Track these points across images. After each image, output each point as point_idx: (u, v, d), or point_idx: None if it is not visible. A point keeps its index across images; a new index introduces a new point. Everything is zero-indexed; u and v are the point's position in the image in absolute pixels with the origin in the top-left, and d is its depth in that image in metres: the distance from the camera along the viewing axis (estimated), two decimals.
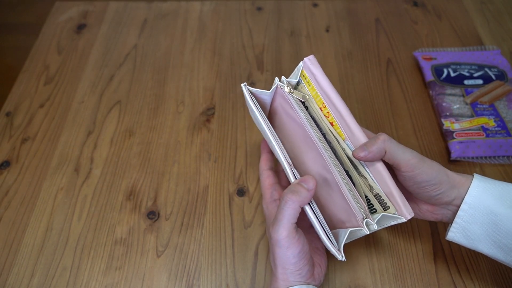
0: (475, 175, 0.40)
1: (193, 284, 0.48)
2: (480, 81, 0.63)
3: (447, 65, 0.65)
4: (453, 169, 0.56)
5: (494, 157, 0.57)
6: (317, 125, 0.43)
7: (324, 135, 0.43)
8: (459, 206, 0.39)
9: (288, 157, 0.41)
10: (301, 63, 0.44)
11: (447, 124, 0.58)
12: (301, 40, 0.73)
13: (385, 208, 0.40)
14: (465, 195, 0.39)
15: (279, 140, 0.42)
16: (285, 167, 0.41)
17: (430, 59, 0.67)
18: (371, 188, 0.41)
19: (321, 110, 0.44)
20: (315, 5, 0.79)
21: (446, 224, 0.51)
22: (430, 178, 0.39)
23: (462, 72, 0.64)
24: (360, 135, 0.41)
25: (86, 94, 0.66)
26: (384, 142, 0.38)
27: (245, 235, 0.51)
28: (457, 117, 0.59)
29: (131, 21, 0.77)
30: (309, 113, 0.44)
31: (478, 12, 0.77)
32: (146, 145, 0.60)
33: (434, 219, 0.43)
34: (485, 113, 0.59)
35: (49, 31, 0.76)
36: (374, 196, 0.40)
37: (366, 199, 0.41)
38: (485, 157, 0.57)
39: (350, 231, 0.39)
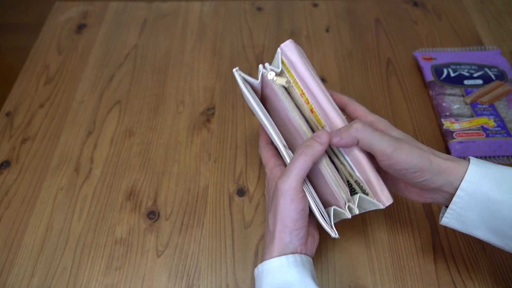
0: (472, 160, 0.38)
1: (193, 284, 0.48)
2: (480, 81, 0.63)
3: (447, 65, 0.66)
4: None
5: (494, 157, 0.57)
6: (300, 111, 0.44)
7: (306, 121, 0.44)
8: (450, 192, 0.38)
9: (283, 139, 0.42)
10: (279, 50, 0.44)
11: (447, 124, 0.58)
12: (301, 40, 0.73)
13: (365, 193, 0.41)
14: (459, 182, 0.37)
15: (272, 122, 0.42)
16: (280, 149, 0.41)
17: (430, 59, 0.67)
18: (351, 175, 0.42)
19: (302, 97, 0.44)
20: (315, 5, 0.79)
21: (446, 227, 0.51)
22: (409, 166, 0.38)
23: (462, 72, 0.64)
24: (337, 121, 0.41)
25: (86, 94, 0.66)
26: (356, 131, 0.38)
27: (245, 235, 0.51)
28: (457, 117, 0.59)
29: (131, 21, 0.77)
30: (293, 99, 0.44)
31: (478, 12, 0.77)
32: (146, 145, 0.60)
33: (424, 201, 0.43)
34: (485, 113, 0.59)
35: (49, 31, 0.76)
36: (355, 182, 0.42)
37: (348, 184, 0.42)
38: (485, 157, 0.57)
39: (334, 208, 0.40)
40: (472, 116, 0.59)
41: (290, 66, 0.44)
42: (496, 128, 0.57)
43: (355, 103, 0.45)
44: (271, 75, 0.44)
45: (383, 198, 0.40)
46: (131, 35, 0.75)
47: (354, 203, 0.40)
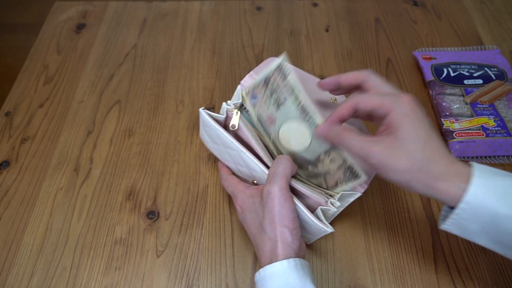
0: (475, 171, 0.34)
1: (193, 284, 0.48)
2: (480, 81, 0.63)
3: (447, 65, 0.65)
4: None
5: (494, 156, 0.57)
6: (267, 133, 0.48)
7: (274, 143, 0.48)
8: (448, 202, 0.35)
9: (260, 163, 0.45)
10: (239, 87, 0.49)
11: (447, 123, 0.58)
12: (301, 40, 0.73)
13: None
14: (454, 201, 0.34)
15: (245, 149, 0.45)
16: (257, 167, 0.45)
17: (430, 58, 0.67)
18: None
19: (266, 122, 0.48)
20: (315, 4, 0.79)
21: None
22: (392, 179, 0.36)
23: (462, 72, 0.64)
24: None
25: (85, 94, 0.66)
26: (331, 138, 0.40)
27: (245, 235, 0.51)
28: (457, 116, 0.59)
29: (131, 21, 0.77)
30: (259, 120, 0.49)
31: (478, 12, 0.77)
32: (146, 145, 0.60)
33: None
34: (485, 112, 0.59)
35: (49, 31, 0.76)
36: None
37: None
38: (485, 157, 0.56)
39: (321, 208, 0.43)
40: (472, 115, 0.59)
41: None
42: (496, 128, 0.57)
43: (372, 80, 0.40)
44: (235, 111, 0.47)
45: (359, 187, 0.44)
46: (131, 34, 0.75)
47: (335, 199, 0.44)
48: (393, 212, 0.53)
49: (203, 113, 0.47)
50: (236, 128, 0.47)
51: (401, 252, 0.49)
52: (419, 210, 0.53)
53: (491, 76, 0.63)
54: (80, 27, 0.76)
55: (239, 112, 0.47)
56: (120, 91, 0.66)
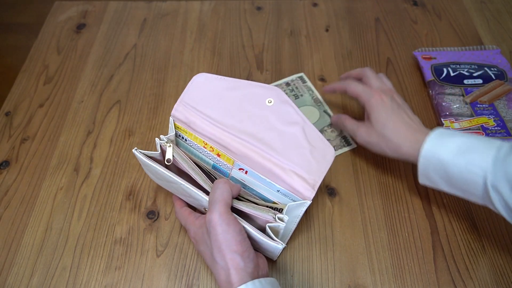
0: (432, 135, 0.45)
1: (193, 284, 0.48)
2: (479, 81, 0.63)
3: (447, 65, 0.65)
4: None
5: None
6: (206, 161, 0.50)
7: (215, 167, 0.50)
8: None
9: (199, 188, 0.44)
10: (171, 118, 0.49)
11: (447, 123, 0.58)
12: (301, 40, 0.73)
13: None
14: (416, 159, 0.46)
15: (183, 180, 0.44)
16: (201, 197, 0.43)
17: (430, 58, 0.67)
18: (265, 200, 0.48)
19: (205, 148, 0.49)
20: (314, 4, 0.79)
21: (446, 226, 0.51)
22: (369, 148, 0.51)
23: (462, 72, 0.64)
24: (247, 152, 0.46)
25: (85, 94, 0.66)
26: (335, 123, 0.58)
27: None
28: (457, 116, 0.59)
29: (131, 21, 0.77)
30: (196, 151, 0.50)
31: (478, 12, 0.77)
32: (146, 144, 0.60)
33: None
34: (484, 112, 0.59)
35: (49, 30, 0.76)
36: (273, 202, 0.47)
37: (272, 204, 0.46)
38: None
39: (268, 225, 0.42)
40: (472, 115, 0.59)
41: (186, 127, 0.49)
42: (496, 128, 0.57)
43: (366, 75, 0.54)
44: (168, 144, 0.46)
45: (306, 194, 0.44)
46: (131, 34, 0.75)
47: (283, 213, 0.42)
48: (393, 212, 0.53)
49: (137, 153, 0.46)
50: (171, 161, 0.46)
51: (401, 252, 0.49)
52: (419, 210, 0.53)
53: (491, 76, 0.63)
54: (80, 27, 0.76)
55: (172, 145, 0.46)
56: (120, 91, 0.66)
